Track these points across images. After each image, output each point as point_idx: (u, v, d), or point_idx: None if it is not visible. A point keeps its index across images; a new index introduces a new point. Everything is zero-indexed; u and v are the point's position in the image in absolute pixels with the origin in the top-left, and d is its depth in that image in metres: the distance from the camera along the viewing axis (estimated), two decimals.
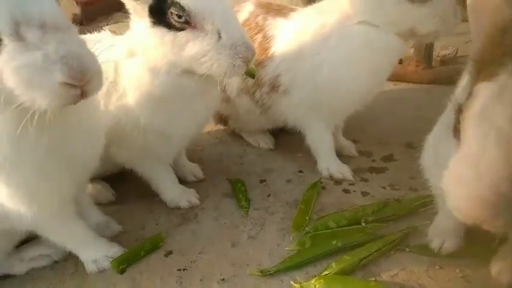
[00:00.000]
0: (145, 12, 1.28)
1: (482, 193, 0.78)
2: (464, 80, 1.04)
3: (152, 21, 1.28)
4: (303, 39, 1.62)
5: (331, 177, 1.76)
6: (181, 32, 1.25)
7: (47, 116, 0.94)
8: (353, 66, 1.55)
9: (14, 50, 0.86)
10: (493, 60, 0.85)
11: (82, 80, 0.90)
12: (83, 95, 0.93)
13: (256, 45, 1.69)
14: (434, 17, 1.44)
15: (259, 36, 1.73)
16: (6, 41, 0.86)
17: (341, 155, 1.85)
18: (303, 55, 1.62)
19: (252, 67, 1.34)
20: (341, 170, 1.76)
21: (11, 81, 0.87)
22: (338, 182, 1.74)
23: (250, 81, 1.75)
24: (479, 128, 0.81)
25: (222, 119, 2.09)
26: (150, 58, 1.34)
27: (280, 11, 1.75)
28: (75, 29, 0.98)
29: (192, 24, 1.24)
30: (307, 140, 1.80)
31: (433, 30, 1.48)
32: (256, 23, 1.75)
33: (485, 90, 0.83)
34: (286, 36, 1.67)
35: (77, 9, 4.82)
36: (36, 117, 0.93)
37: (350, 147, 1.92)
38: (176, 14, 1.23)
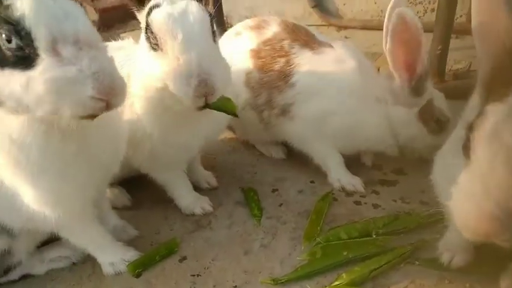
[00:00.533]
0: (143, 25, 1.36)
1: (490, 209, 0.81)
2: (473, 99, 1.07)
3: (145, 35, 1.34)
4: (326, 78, 1.69)
5: (343, 189, 1.79)
6: (155, 52, 1.31)
7: (73, 125, 1.01)
8: (365, 116, 1.68)
9: (50, 64, 0.93)
10: (503, 82, 0.88)
11: (109, 95, 0.97)
12: (108, 107, 1.00)
13: (277, 67, 1.75)
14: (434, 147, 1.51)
15: (282, 60, 1.76)
16: (43, 55, 0.94)
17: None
18: (324, 92, 1.69)
19: (227, 103, 1.38)
20: (353, 182, 1.79)
21: (44, 91, 0.94)
22: (349, 193, 1.77)
23: (261, 99, 1.80)
24: (489, 147, 0.85)
25: (229, 126, 2.11)
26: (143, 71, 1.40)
27: (308, 43, 1.78)
28: (105, 45, 1.05)
29: (160, 47, 1.29)
30: (315, 159, 1.84)
31: (422, 154, 1.64)
32: (281, 46, 1.78)
33: (495, 110, 0.87)
34: (310, 69, 1.72)
35: (95, 16, 4.96)
36: (63, 126, 1.00)
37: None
38: (150, 37, 1.30)
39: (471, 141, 0.90)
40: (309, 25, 4.06)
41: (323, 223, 1.59)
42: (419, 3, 3.53)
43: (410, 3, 3.53)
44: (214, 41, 1.37)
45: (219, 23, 3.23)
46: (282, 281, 1.36)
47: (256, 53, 1.82)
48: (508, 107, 0.85)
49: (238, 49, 1.86)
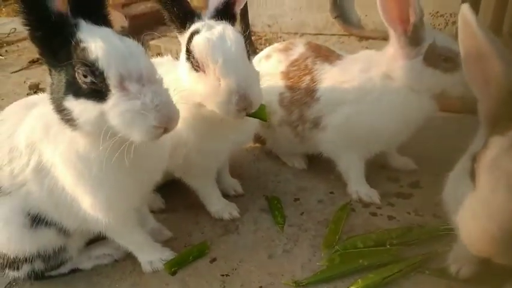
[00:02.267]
0: (184, 47, 1.52)
1: (492, 230, 0.93)
2: (480, 133, 1.19)
3: (186, 57, 1.50)
4: (348, 87, 1.81)
5: (360, 200, 1.92)
6: (196, 72, 1.47)
7: (133, 146, 1.20)
8: (389, 118, 1.76)
9: (119, 98, 1.12)
10: (504, 117, 1.00)
11: (167, 123, 1.16)
12: (165, 131, 1.18)
13: (304, 85, 1.89)
14: (463, 82, 1.59)
15: (307, 78, 1.90)
16: (113, 91, 1.12)
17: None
18: (345, 100, 1.81)
19: (261, 111, 1.50)
20: (370, 194, 1.92)
21: (115, 121, 1.13)
22: (366, 205, 1.90)
23: (294, 115, 1.95)
24: (492, 174, 0.97)
25: (260, 140, 2.28)
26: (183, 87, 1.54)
27: (329, 57, 1.91)
28: (162, 78, 1.23)
29: (201, 69, 1.45)
30: (339, 166, 1.97)
31: (461, 93, 1.67)
32: (306, 65, 1.92)
33: (497, 142, 0.99)
34: (332, 82, 1.85)
35: (125, 23, 5.19)
36: (124, 147, 1.19)
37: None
38: (191, 60, 1.46)
39: (476, 169, 1.02)
40: (330, 35, 4.18)
41: (341, 232, 1.73)
42: (441, 15, 3.58)
43: (432, 15, 3.58)
44: (248, 58, 1.52)
45: (247, 37, 3.37)
46: (303, 283, 1.51)
47: (286, 75, 1.96)
48: (510, 139, 0.97)
49: (270, 71, 2.00)
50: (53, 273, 1.65)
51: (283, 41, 4.18)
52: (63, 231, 1.51)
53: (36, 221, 1.44)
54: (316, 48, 2.00)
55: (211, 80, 1.43)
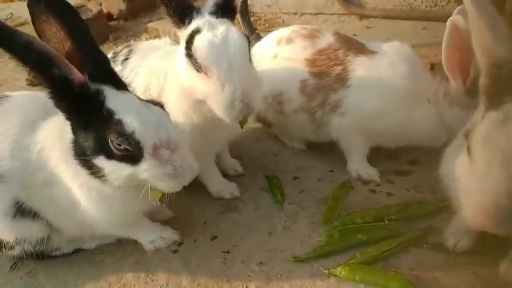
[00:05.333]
0: (183, 43, 1.46)
1: (487, 207, 0.95)
2: (479, 108, 1.19)
3: (186, 53, 1.45)
4: (379, 81, 1.80)
5: (359, 178, 1.93)
6: (198, 73, 1.43)
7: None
8: (412, 129, 1.81)
9: (152, 164, 1.26)
10: (498, 90, 1.00)
11: (191, 180, 1.34)
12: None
13: (334, 74, 1.86)
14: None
15: (338, 68, 1.86)
16: (147, 157, 1.25)
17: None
18: (373, 93, 1.80)
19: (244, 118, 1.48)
20: (370, 172, 1.93)
21: (148, 178, 1.29)
22: (365, 182, 1.92)
23: (316, 101, 1.91)
24: (486, 150, 0.98)
25: (266, 123, 2.25)
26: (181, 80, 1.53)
27: (362, 49, 1.88)
28: (185, 142, 1.34)
29: (203, 71, 1.40)
30: (342, 144, 1.96)
31: None
32: (336, 56, 1.87)
33: (491, 117, 0.99)
34: (365, 73, 1.82)
35: (122, 5, 5.13)
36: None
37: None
38: (193, 61, 1.42)
39: (470, 144, 1.03)
40: (330, 14, 4.12)
41: (340, 209, 1.75)
42: None
43: None
44: (250, 60, 1.49)
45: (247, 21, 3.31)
46: (302, 258, 1.54)
47: (312, 62, 1.90)
48: (503, 113, 0.97)
49: (292, 56, 1.95)
50: (57, 253, 1.68)
51: (283, 21, 4.17)
52: (50, 227, 1.55)
53: (21, 212, 1.48)
54: (347, 39, 1.95)
55: (214, 84, 1.39)
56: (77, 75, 1.22)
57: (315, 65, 1.90)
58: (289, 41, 2.00)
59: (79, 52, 1.28)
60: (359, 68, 1.83)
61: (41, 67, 1.17)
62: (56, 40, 1.28)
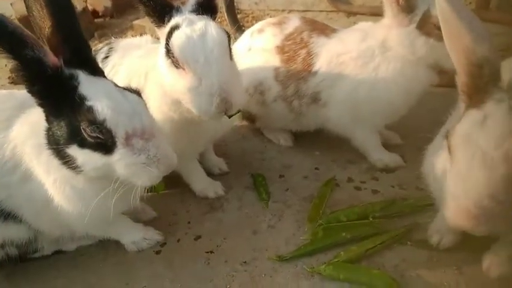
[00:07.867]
0: (163, 42, 1.43)
1: (468, 208, 0.95)
2: (458, 106, 1.18)
3: (165, 50, 1.42)
4: (346, 59, 1.78)
5: (386, 167, 1.92)
6: (176, 69, 1.40)
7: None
8: (389, 87, 1.74)
9: (125, 153, 1.21)
10: (478, 90, 0.99)
11: (167, 171, 1.27)
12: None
13: (300, 59, 1.85)
14: None
15: (303, 52, 1.86)
16: (120, 146, 1.20)
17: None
18: (344, 73, 1.78)
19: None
20: (394, 159, 1.93)
21: (122, 171, 1.23)
22: (350, 179, 1.90)
23: (290, 90, 1.90)
24: (466, 150, 0.97)
25: (250, 118, 2.23)
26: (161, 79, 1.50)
27: (324, 31, 1.88)
28: (161, 131, 1.30)
29: (181, 66, 1.38)
30: (354, 143, 1.95)
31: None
32: (302, 38, 1.88)
33: (471, 116, 0.98)
34: (329, 55, 1.81)
35: (108, 2, 5.05)
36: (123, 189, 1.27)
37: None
38: (171, 57, 1.39)
39: (451, 144, 1.02)
40: (319, 11, 4.11)
41: (325, 207, 1.74)
42: None
43: None
44: (231, 57, 1.45)
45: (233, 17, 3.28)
46: (287, 257, 1.52)
47: (281, 49, 1.91)
48: (483, 113, 0.97)
49: (264, 46, 1.95)
50: (36, 255, 1.64)
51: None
52: (33, 229, 1.50)
53: (5, 215, 1.43)
54: (312, 22, 1.96)
55: (191, 80, 1.37)
56: (51, 57, 1.17)
57: (284, 52, 1.91)
58: (261, 31, 2.02)
59: (58, 34, 1.22)
60: (322, 50, 1.83)
61: (13, 47, 1.11)
62: (39, 18, 1.23)
